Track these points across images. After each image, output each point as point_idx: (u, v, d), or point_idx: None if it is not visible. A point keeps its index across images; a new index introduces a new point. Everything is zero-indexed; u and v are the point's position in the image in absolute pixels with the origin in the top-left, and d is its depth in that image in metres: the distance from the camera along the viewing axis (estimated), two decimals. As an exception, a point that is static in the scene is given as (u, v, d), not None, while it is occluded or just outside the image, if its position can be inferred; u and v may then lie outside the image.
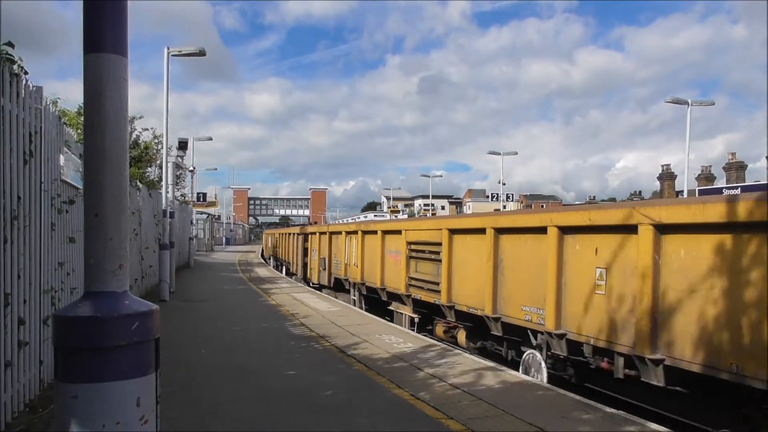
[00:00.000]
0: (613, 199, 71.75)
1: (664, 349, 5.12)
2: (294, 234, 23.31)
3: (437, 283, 9.22)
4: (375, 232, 12.33)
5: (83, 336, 2.09)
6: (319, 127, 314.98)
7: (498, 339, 7.97)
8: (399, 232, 11.07)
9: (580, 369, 6.55)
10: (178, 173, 21.86)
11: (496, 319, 7.60)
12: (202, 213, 45.89)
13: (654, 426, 4.92)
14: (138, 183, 13.46)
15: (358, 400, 5.69)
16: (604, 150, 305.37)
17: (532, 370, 7.12)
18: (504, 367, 7.08)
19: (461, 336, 8.95)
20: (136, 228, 12.29)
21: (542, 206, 67.32)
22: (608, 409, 5.36)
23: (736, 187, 33.65)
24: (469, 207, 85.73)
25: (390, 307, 11.66)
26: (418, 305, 10.36)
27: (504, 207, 44.71)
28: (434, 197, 71.69)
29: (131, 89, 2.33)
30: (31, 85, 4.95)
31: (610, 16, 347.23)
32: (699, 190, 38.18)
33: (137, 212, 12.53)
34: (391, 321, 11.29)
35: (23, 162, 4.69)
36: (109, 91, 2.21)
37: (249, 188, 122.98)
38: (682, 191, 32.16)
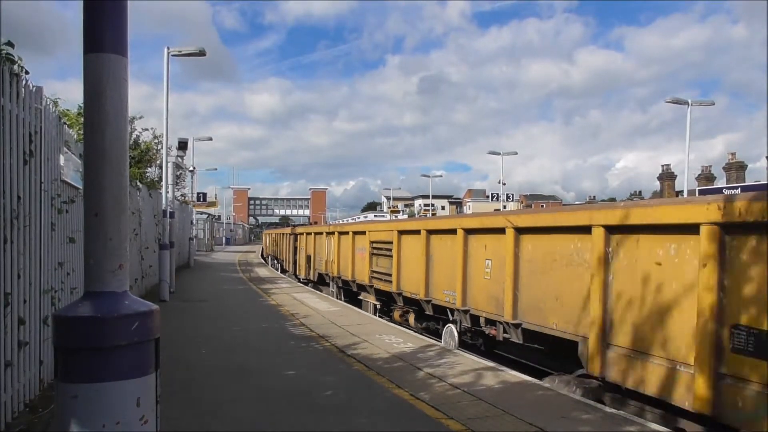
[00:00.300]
0: (612, 199, 71.70)
1: (521, 316, 7.00)
2: (286, 234, 25.70)
3: (390, 275, 11.02)
4: (347, 233, 14.30)
5: (83, 336, 2.09)
6: (319, 127, 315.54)
7: (433, 318, 9.77)
8: (364, 233, 13.00)
9: (489, 338, 8.08)
10: (178, 173, 21.86)
11: (428, 302, 9.51)
12: (202, 213, 45.89)
13: (654, 426, 4.92)
14: (138, 183, 13.46)
15: (358, 400, 5.69)
16: (604, 150, 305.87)
17: (449, 338, 8.91)
18: (504, 368, 7.09)
19: (411, 318, 10.57)
20: (136, 228, 12.29)
21: (542, 206, 67.33)
22: (608, 410, 5.36)
23: (736, 187, 33.66)
24: (469, 207, 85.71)
25: (359, 297, 13.51)
26: (379, 294, 12.20)
27: (504, 207, 44.69)
28: (434, 197, 71.72)
29: (131, 89, 2.33)
30: (31, 85, 4.95)
31: (610, 16, 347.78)
32: (699, 190, 38.17)
33: (137, 212, 12.54)
34: (360, 308, 13.03)
35: (23, 162, 4.68)
36: (109, 91, 2.21)
37: (249, 188, 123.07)
38: (682, 191, 32.15)
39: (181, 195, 28.46)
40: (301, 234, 21.06)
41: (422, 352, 7.94)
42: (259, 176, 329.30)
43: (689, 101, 29.00)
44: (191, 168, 29.67)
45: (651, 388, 4.98)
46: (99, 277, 2.18)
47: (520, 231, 6.99)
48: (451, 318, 8.86)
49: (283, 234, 27.38)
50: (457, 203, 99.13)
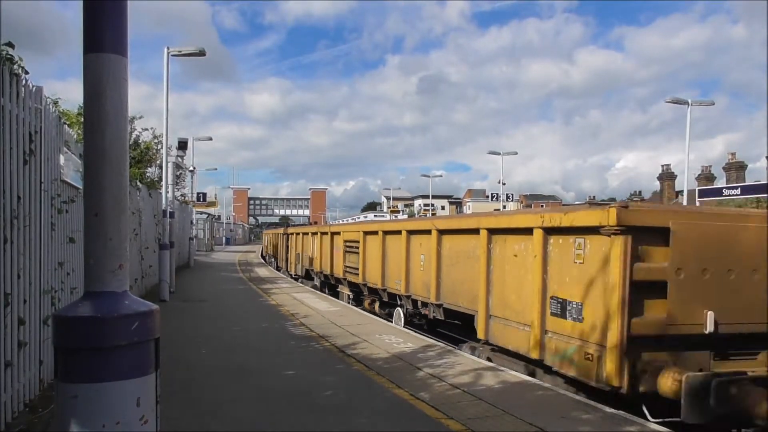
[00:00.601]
0: (612, 199, 71.68)
1: (442, 298, 8.95)
2: (280, 234, 28.29)
3: (358, 269, 12.99)
4: (327, 233, 16.42)
5: (83, 336, 2.09)
6: (319, 127, 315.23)
7: (390, 304, 11.58)
8: (339, 233, 15.17)
9: (432, 320, 9.89)
10: (178, 173, 21.85)
11: (384, 290, 11.48)
12: (202, 213, 45.88)
13: (654, 426, 4.93)
14: (138, 183, 13.46)
15: (358, 400, 5.69)
16: (604, 150, 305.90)
17: (398, 320, 10.98)
18: (504, 368, 7.08)
19: (376, 306, 12.34)
20: (136, 228, 12.29)
21: (542, 206, 67.34)
22: (608, 410, 5.36)
23: (736, 187, 33.67)
24: (469, 207, 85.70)
25: (337, 289, 15.76)
26: (352, 285, 14.13)
27: (504, 207, 44.67)
28: (434, 197, 71.71)
29: (130, 89, 2.33)
30: (31, 85, 4.95)
31: (610, 16, 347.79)
32: (699, 190, 38.15)
33: (137, 212, 12.53)
34: (336, 297, 15.14)
35: (23, 162, 4.68)
36: (109, 91, 2.21)
37: (249, 188, 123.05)
38: (682, 191, 32.14)
39: (181, 195, 28.46)
40: (291, 234, 23.39)
41: (422, 352, 7.94)
42: (259, 176, 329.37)
43: (689, 101, 28.95)
44: (191, 168, 29.66)
45: (512, 345, 6.98)
46: (99, 277, 2.18)
47: (441, 232, 8.93)
48: (398, 303, 10.97)
49: (277, 234, 30.02)
50: (457, 203, 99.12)
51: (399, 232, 10.60)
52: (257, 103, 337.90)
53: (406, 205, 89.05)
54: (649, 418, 5.25)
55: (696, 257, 5.39)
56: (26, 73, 4.77)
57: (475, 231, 7.68)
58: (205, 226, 48.79)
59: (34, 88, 5.07)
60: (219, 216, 65.51)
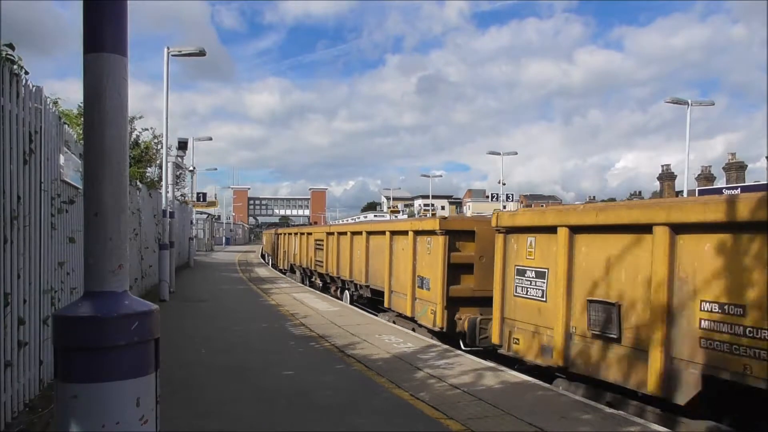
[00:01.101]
0: (612, 199, 71.73)
1: (370, 281, 12.15)
2: (272, 233, 33.25)
3: (323, 262, 16.36)
4: (304, 233, 20.10)
5: (83, 336, 2.08)
6: (319, 126, 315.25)
7: (341, 288, 14.84)
8: (312, 233, 18.65)
9: (372, 301, 12.49)
10: (177, 173, 21.81)
11: (338, 278, 14.76)
12: (201, 213, 45.84)
13: (655, 426, 4.93)
14: (138, 183, 13.45)
15: (357, 400, 5.69)
16: (603, 150, 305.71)
17: (346, 300, 13.94)
18: (504, 368, 7.09)
19: (333, 289, 15.71)
20: (135, 228, 12.29)
21: (542, 206, 67.30)
22: (608, 410, 5.36)
23: (736, 188, 33.66)
24: (469, 207, 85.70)
25: (312, 279, 18.95)
26: (320, 276, 17.33)
27: (504, 207, 44.67)
28: (434, 197, 71.74)
29: (130, 89, 2.33)
30: (31, 85, 4.95)
31: (610, 15, 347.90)
32: (699, 190, 38.16)
33: (137, 212, 12.53)
34: (312, 287, 18.18)
35: (23, 162, 4.68)
36: (109, 91, 2.20)
37: (249, 188, 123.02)
38: (682, 191, 32.13)
39: (181, 195, 28.45)
40: (281, 234, 27.50)
41: (422, 352, 7.94)
42: (258, 176, 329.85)
43: (689, 101, 28.96)
44: (191, 168, 29.65)
45: (401, 309, 10.32)
46: (99, 277, 2.18)
47: (369, 233, 12.35)
48: (346, 287, 14.25)
49: (271, 234, 34.97)
50: (457, 203, 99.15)
51: (345, 233, 14.12)
52: (257, 102, 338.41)
53: (406, 205, 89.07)
54: (463, 347, 8.39)
55: (489, 249, 7.93)
56: (26, 73, 4.77)
57: (382, 233, 11.32)
58: (204, 226, 48.76)
59: (34, 88, 5.07)
60: (219, 216, 65.51)
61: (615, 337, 5.46)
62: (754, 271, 4.30)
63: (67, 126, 6.59)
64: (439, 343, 8.67)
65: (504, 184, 47.82)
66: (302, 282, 20.20)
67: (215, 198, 50.56)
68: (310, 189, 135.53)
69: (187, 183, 30.19)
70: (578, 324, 5.97)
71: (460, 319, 8.65)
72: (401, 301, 10.22)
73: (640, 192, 68.10)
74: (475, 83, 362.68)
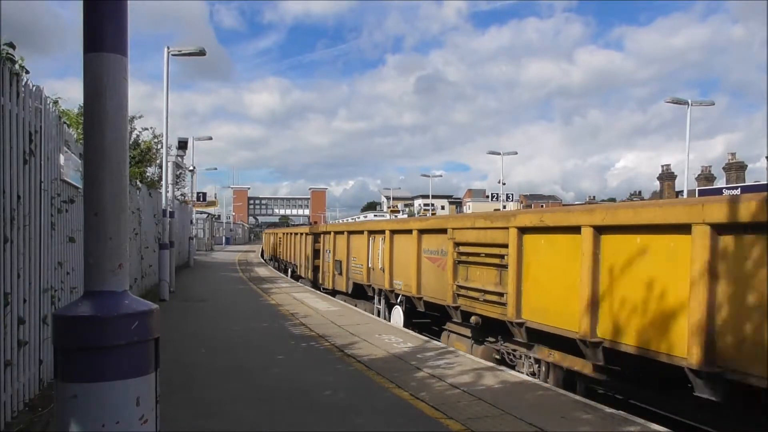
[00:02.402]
0: (612, 199, 71.80)
1: (351, 276, 13.51)
2: (267, 233, 38.70)
3: (292, 254, 20.70)
4: (290, 234, 23.49)
5: (83, 335, 2.08)
6: (319, 126, 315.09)
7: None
8: (290, 233, 22.51)
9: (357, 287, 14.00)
10: (177, 173, 21.82)
11: (294, 264, 20.72)
12: (201, 213, 45.86)
13: (655, 426, 4.92)
14: (138, 182, 13.45)
15: (357, 399, 5.69)
16: (603, 150, 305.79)
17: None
18: (503, 367, 7.09)
19: (294, 275, 19.35)
20: (135, 227, 12.28)
21: (542, 206, 67.34)
22: (608, 409, 5.36)
23: (736, 188, 33.65)
24: (469, 207, 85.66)
25: (286, 267, 22.73)
26: (292, 266, 21.60)
27: (504, 207, 44.64)
28: (434, 197, 71.67)
29: (129, 88, 2.33)
30: (31, 84, 4.95)
31: (610, 15, 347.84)
32: (699, 190, 38.17)
33: (137, 212, 12.53)
34: (287, 276, 21.63)
35: (23, 161, 4.68)
36: (109, 91, 2.21)
37: (249, 188, 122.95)
38: (682, 191, 32.13)
39: (181, 194, 28.45)
40: (273, 233, 32.55)
41: (422, 352, 7.94)
42: (258, 176, 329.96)
43: (689, 101, 28.94)
44: (191, 168, 29.65)
45: (332, 287, 14.22)
46: (99, 277, 2.18)
47: (315, 234, 15.67)
48: (295, 271, 17.14)
49: (266, 233, 40.50)
50: (457, 203, 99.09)
51: (299, 234, 18.46)
52: (256, 102, 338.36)
53: (406, 205, 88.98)
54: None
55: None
56: (26, 72, 4.77)
57: (327, 232, 14.62)
58: (204, 225, 48.76)
59: (34, 88, 5.06)
60: (219, 216, 65.48)
61: None
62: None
63: (67, 126, 6.59)
64: (439, 343, 8.66)
65: (504, 184, 47.81)
66: (282, 270, 22.71)
67: (215, 198, 50.69)
68: (310, 189, 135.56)
69: (187, 183, 30.20)
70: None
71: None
72: (341, 280, 13.54)
73: (640, 192, 68.12)
74: (475, 83, 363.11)
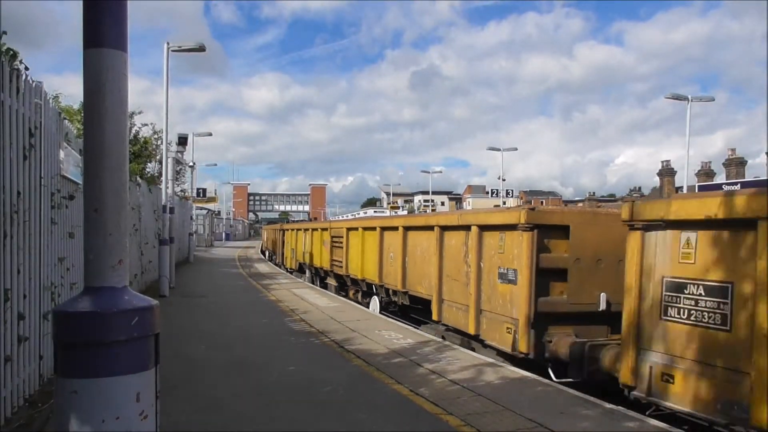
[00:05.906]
0: (612, 195, 71.90)
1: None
2: (264, 228, 44.27)
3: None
4: (279, 230, 27.78)
5: (83, 331, 2.09)
6: (318, 122, 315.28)
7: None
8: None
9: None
10: (177, 169, 21.84)
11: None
12: (201, 208, 45.83)
13: (653, 422, 4.94)
14: (138, 178, 13.45)
15: (357, 395, 5.70)
16: (603, 146, 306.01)
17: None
18: (503, 363, 7.09)
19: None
20: (135, 223, 12.29)
21: (542, 202, 67.34)
22: (607, 405, 5.37)
23: (736, 183, 33.60)
24: (468, 203, 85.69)
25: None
26: (272, 253, 28.65)
27: (504, 203, 44.64)
28: (434, 193, 71.69)
29: (128, 84, 2.32)
30: (31, 80, 4.94)
31: (610, 10, 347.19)
32: (699, 186, 38.13)
33: (137, 208, 12.53)
34: (271, 262, 26.36)
35: (23, 157, 4.68)
36: (109, 87, 2.20)
37: (249, 184, 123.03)
38: (682, 187, 32.12)
39: (181, 190, 28.46)
40: (270, 229, 35.78)
41: (421, 347, 7.95)
42: (257, 172, 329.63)
43: (689, 97, 28.90)
44: (191, 163, 29.64)
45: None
46: (99, 273, 2.18)
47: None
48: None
49: (272, 230, 42.69)
50: (457, 199, 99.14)
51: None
52: (255, 98, 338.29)
53: (405, 201, 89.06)
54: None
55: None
56: (27, 68, 4.77)
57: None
58: (204, 221, 48.78)
59: (34, 84, 5.06)
60: (219, 212, 65.50)
61: None
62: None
63: (67, 121, 6.58)
64: (439, 339, 8.68)
65: (504, 180, 47.77)
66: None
67: (215, 194, 50.67)
68: (310, 185, 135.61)
69: (186, 179, 30.21)
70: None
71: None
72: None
73: (639, 188, 68.07)
74: (474, 78, 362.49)
